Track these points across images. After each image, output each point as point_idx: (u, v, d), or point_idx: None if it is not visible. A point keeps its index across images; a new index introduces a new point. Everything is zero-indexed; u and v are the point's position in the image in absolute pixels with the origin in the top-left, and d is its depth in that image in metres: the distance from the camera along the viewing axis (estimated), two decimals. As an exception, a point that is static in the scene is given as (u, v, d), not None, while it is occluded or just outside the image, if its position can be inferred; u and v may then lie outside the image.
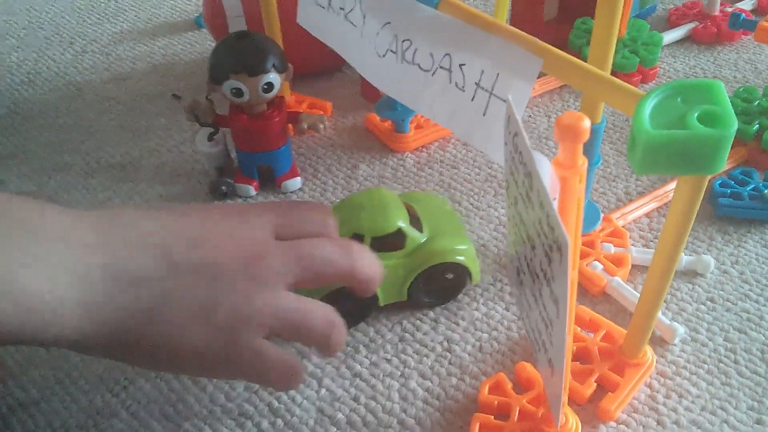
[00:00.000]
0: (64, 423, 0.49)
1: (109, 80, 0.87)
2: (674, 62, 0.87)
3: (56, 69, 0.90)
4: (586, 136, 0.34)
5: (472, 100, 0.48)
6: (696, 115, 0.37)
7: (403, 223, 0.53)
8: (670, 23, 0.95)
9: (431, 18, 0.50)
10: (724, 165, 0.38)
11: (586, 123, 0.33)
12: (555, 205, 0.35)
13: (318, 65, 0.83)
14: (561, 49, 0.44)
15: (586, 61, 0.45)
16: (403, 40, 0.52)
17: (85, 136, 0.78)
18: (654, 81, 0.83)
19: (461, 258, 0.54)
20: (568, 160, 0.34)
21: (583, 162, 0.35)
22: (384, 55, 0.53)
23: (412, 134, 0.73)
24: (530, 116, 0.78)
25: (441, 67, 0.50)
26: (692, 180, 0.40)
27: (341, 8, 0.58)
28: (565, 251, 0.31)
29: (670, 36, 0.89)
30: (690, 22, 0.93)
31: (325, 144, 0.75)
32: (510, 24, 0.87)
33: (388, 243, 0.52)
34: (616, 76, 0.86)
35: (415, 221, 0.55)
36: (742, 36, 0.89)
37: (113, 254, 0.40)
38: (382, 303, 0.55)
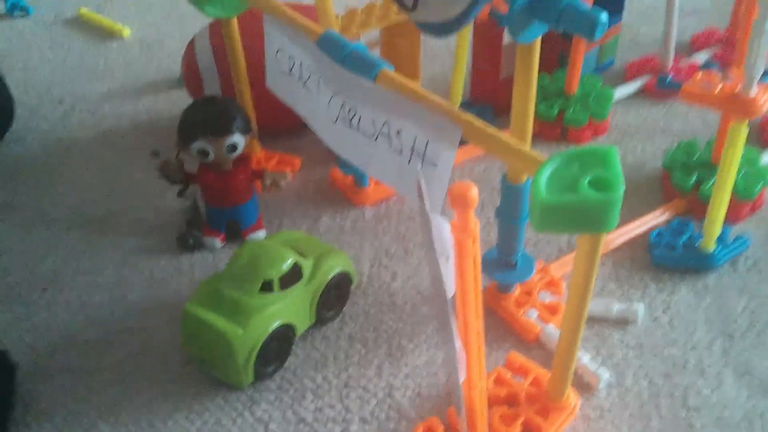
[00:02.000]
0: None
1: (95, 138, 0.93)
2: (627, 115, 0.92)
3: (46, 126, 0.96)
4: (475, 204, 0.38)
5: (409, 162, 0.53)
6: (587, 180, 0.41)
7: (295, 257, 0.60)
8: (627, 77, 1.00)
9: (371, 89, 0.54)
10: (616, 224, 0.42)
11: (474, 192, 0.38)
12: (452, 262, 0.39)
13: (288, 123, 0.89)
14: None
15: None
16: (349, 109, 0.57)
17: (68, 191, 0.83)
18: (605, 134, 0.88)
19: (346, 266, 0.63)
20: (462, 224, 0.38)
21: (475, 225, 0.39)
22: (335, 121, 0.58)
23: (371, 188, 0.78)
24: (484, 170, 0.83)
25: (382, 133, 0.54)
26: (589, 238, 0.44)
27: (300, 77, 0.63)
28: (448, 306, 0.35)
29: (623, 90, 0.94)
30: (645, 75, 0.98)
31: (292, 197, 0.80)
32: (470, 80, 0.93)
33: (291, 278, 0.59)
34: (568, 130, 0.91)
35: (298, 252, 0.62)
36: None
37: None
38: (298, 334, 0.60)
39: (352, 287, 0.66)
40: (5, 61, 1.12)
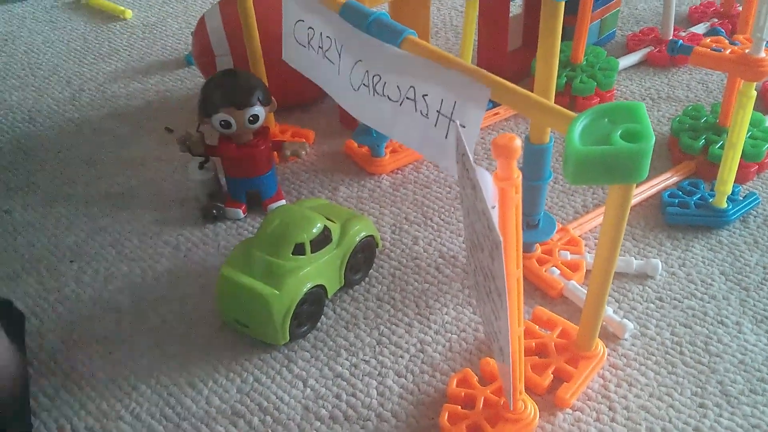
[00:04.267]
0: (73, 426, 0.55)
1: (106, 116, 0.93)
2: (630, 84, 0.94)
3: (55, 107, 0.96)
4: (518, 154, 0.40)
5: (435, 125, 0.54)
6: (619, 132, 0.43)
7: (324, 222, 0.61)
8: (628, 48, 1.02)
9: (396, 55, 0.56)
10: (647, 174, 0.44)
11: (517, 143, 0.39)
12: (496, 211, 0.41)
13: (300, 98, 0.90)
14: (524, 76, 0.50)
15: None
16: (373, 75, 0.58)
17: (84, 168, 0.84)
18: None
19: (371, 231, 0.65)
20: (504, 173, 0.40)
21: (517, 175, 0.40)
22: (358, 89, 0.60)
23: (387, 158, 0.79)
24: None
25: (407, 98, 0.56)
26: (620, 188, 0.46)
27: (320, 47, 0.64)
28: (500, 249, 0.37)
29: (627, 61, 0.96)
30: (646, 47, 1.00)
31: (308, 169, 0.81)
32: (477, 53, 0.94)
33: (321, 241, 0.61)
34: (576, 100, 0.93)
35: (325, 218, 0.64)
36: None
37: None
38: (329, 296, 0.62)
39: (377, 251, 0.67)
40: (7, 45, 1.12)
